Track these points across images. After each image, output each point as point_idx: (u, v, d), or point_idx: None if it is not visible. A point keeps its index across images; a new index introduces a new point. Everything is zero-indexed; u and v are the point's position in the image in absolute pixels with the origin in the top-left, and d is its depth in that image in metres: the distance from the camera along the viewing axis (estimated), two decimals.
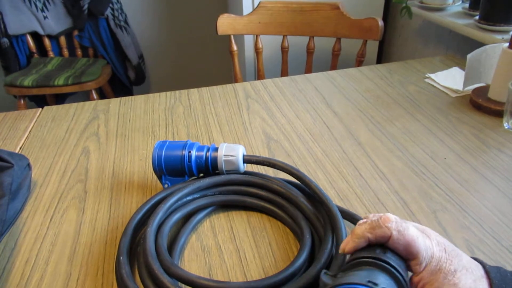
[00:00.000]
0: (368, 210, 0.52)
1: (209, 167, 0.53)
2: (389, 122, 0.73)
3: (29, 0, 1.81)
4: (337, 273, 0.32)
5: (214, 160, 0.52)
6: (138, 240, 0.48)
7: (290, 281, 0.40)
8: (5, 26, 1.80)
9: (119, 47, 2.00)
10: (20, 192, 0.55)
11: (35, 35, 1.91)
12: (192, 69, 2.38)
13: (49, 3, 1.87)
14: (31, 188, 0.59)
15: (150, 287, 0.40)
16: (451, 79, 0.87)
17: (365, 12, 1.57)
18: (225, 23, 1.22)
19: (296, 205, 0.49)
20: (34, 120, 0.79)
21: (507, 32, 1.05)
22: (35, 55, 1.92)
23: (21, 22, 1.83)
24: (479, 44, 0.90)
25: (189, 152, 0.53)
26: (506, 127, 0.69)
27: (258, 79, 1.30)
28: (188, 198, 0.51)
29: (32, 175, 0.61)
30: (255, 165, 0.61)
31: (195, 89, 0.89)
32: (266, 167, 0.60)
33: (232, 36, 1.25)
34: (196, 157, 0.53)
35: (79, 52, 1.98)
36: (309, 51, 1.26)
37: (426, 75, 0.90)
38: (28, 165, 0.58)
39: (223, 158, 0.52)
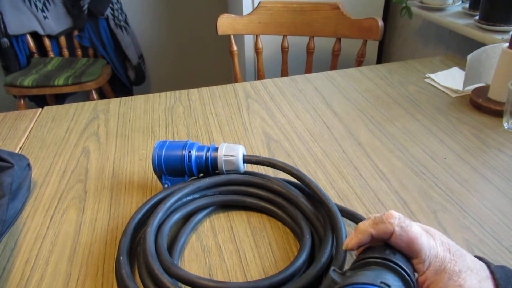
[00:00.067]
0: (368, 210, 0.52)
1: (209, 167, 0.53)
2: (389, 122, 0.73)
3: (29, 0, 1.81)
4: (346, 271, 0.32)
5: (214, 160, 0.52)
6: (138, 240, 0.48)
7: (290, 281, 0.40)
8: (5, 26, 1.80)
9: (119, 47, 2.00)
10: (20, 192, 0.55)
11: (35, 35, 1.91)
12: (192, 69, 2.38)
13: (49, 3, 1.87)
14: (31, 188, 0.59)
15: (150, 287, 0.40)
16: (451, 79, 0.87)
17: (365, 12, 1.57)
18: (225, 23, 1.22)
19: (296, 205, 0.49)
20: (34, 120, 0.79)
21: (507, 32, 1.05)
22: (35, 55, 1.92)
23: (21, 22, 1.83)
24: (479, 44, 0.91)
25: (189, 152, 0.53)
26: (506, 127, 0.69)
27: (258, 79, 1.30)
28: (188, 198, 0.51)
29: (32, 175, 0.61)
30: (255, 165, 0.61)
31: (195, 89, 0.89)
32: (266, 167, 0.60)
33: (232, 36, 1.25)
34: (196, 157, 0.53)
35: (79, 52, 1.98)
36: (309, 51, 1.26)
37: (426, 75, 0.90)
38: (28, 165, 0.58)
39: (223, 158, 0.52)
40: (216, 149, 0.53)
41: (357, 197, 0.55)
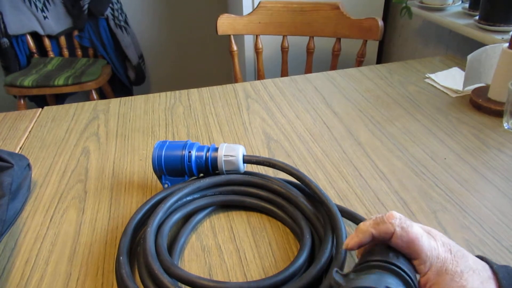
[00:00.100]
0: (368, 210, 0.52)
1: (209, 167, 0.53)
2: (389, 122, 0.73)
3: (29, 0, 1.81)
4: (349, 273, 0.32)
5: (214, 160, 0.52)
6: (138, 240, 0.48)
7: (290, 281, 0.40)
8: (5, 26, 1.80)
9: (119, 47, 2.00)
10: (20, 192, 0.55)
11: (35, 35, 1.91)
12: (192, 69, 2.38)
13: (49, 3, 1.87)
14: (31, 188, 0.59)
15: (150, 287, 0.40)
16: (451, 79, 0.87)
17: (365, 12, 1.57)
18: (225, 23, 1.22)
19: (296, 205, 0.49)
20: (34, 120, 0.79)
21: (507, 32, 1.05)
22: (35, 55, 1.92)
23: (21, 22, 1.83)
24: (479, 44, 0.91)
25: (189, 152, 0.53)
26: (506, 127, 0.69)
27: (258, 79, 1.30)
28: (188, 198, 0.51)
29: (32, 175, 0.61)
30: (255, 165, 0.61)
31: (195, 89, 0.89)
32: (266, 167, 0.60)
33: (232, 36, 1.25)
34: (196, 157, 0.53)
35: (79, 52, 1.98)
36: (309, 51, 1.26)
37: (426, 75, 0.90)
38: (28, 165, 0.58)
39: (223, 158, 0.52)
40: (216, 149, 0.53)
41: (357, 197, 0.55)
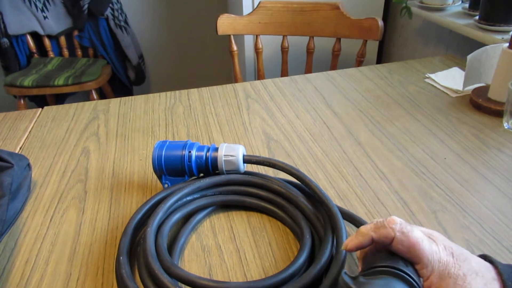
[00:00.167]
0: (368, 210, 0.52)
1: (209, 167, 0.53)
2: (389, 122, 0.73)
3: (29, 0, 1.81)
4: (358, 276, 0.32)
5: (214, 160, 0.52)
6: (138, 240, 0.48)
7: (290, 281, 0.40)
8: (5, 26, 1.80)
9: (119, 47, 2.00)
10: (20, 192, 0.55)
11: (35, 35, 1.91)
12: (192, 69, 2.38)
13: (49, 3, 1.87)
14: (31, 188, 0.59)
15: (150, 287, 0.40)
16: (451, 79, 0.87)
17: (365, 12, 1.57)
18: (225, 23, 1.22)
19: (296, 205, 0.49)
20: (34, 120, 0.79)
21: (507, 32, 1.05)
22: (35, 55, 1.92)
23: (21, 22, 1.83)
24: (479, 44, 0.91)
25: (189, 152, 0.53)
26: (506, 127, 0.69)
27: (258, 79, 1.30)
28: (188, 198, 0.51)
29: (32, 175, 0.61)
30: (255, 165, 0.61)
31: (195, 89, 0.89)
32: (266, 167, 0.60)
33: (232, 36, 1.25)
34: (196, 157, 0.53)
35: (79, 52, 1.98)
36: (309, 51, 1.26)
37: (426, 75, 0.90)
38: (28, 165, 0.58)
39: (223, 158, 0.52)
40: (216, 149, 0.53)
41: (357, 197, 0.55)
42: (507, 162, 0.60)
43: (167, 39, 2.26)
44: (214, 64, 2.37)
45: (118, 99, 0.86)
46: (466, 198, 0.54)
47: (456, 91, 0.82)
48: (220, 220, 0.52)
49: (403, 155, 0.63)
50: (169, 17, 2.20)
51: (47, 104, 1.88)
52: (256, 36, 1.25)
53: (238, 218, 0.52)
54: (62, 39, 1.94)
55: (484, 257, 0.34)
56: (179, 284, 0.40)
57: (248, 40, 1.55)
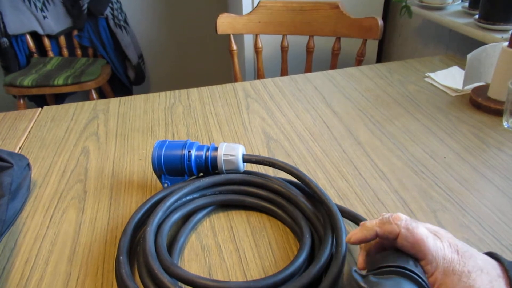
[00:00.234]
0: (368, 209, 0.52)
1: (208, 166, 0.53)
2: (389, 122, 0.73)
3: (29, 0, 1.81)
4: (368, 274, 0.32)
5: (214, 159, 0.52)
6: (138, 239, 0.48)
7: (289, 281, 0.40)
8: (4, 26, 1.80)
9: (119, 47, 2.00)
10: (19, 192, 0.55)
11: (35, 35, 1.91)
12: (192, 69, 2.37)
13: (48, 3, 1.87)
14: (31, 188, 0.59)
15: (150, 287, 0.40)
16: (451, 78, 0.87)
17: (364, 11, 1.57)
18: (225, 23, 1.22)
19: (296, 204, 0.49)
20: (34, 120, 0.79)
21: (507, 31, 1.04)
22: (35, 55, 1.92)
23: (20, 22, 1.83)
24: (479, 43, 0.90)
25: (189, 151, 0.53)
26: (505, 126, 0.69)
27: (258, 78, 1.30)
28: (188, 197, 0.51)
29: (32, 175, 0.61)
30: (255, 165, 0.61)
31: (195, 89, 0.89)
32: (266, 167, 0.60)
33: (231, 36, 1.25)
34: (196, 156, 0.53)
35: (78, 52, 1.98)
36: (309, 51, 1.26)
37: (426, 74, 0.90)
38: (28, 165, 0.58)
39: (222, 158, 0.52)
40: (215, 149, 0.53)
41: (357, 196, 0.55)
42: (506, 161, 0.60)
43: (167, 38, 2.26)
44: (213, 63, 2.37)
45: (118, 98, 0.86)
46: (465, 197, 0.54)
47: (456, 90, 0.82)
48: (220, 219, 0.52)
49: (403, 154, 0.63)
50: (169, 16, 2.20)
51: (47, 104, 1.87)
52: (256, 35, 1.25)
53: (238, 218, 0.52)
54: (62, 39, 1.94)
55: (491, 255, 0.34)
56: (179, 283, 0.40)
57: (248, 39, 1.55)
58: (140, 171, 0.62)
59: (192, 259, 0.46)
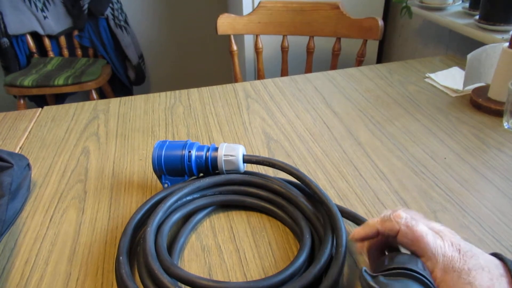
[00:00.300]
0: (368, 210, 0.52)
1: (209, 167, 0.53)
2: (389, 122, 0.73)
3: (29, 0, 1.81)
4: (378, 275, 0.32)
5: (214, 160, 0.52)
6: (138, 240, 0.48)
7: (289, 281, 0.40)
8: (5, 26, 1.80)
9: (119, 47, 2.00)
10: (19, 192, 0.55)
11: (35, 35, 1.91)
12: (192, 69, 2.38)
13: (49, 3, 1.87)
14: (31, 188, 0.59)
15: (150, 287, 0.40)
16: (451, 78, 0.87)
17: (365, 11, 1.57)
18: (225, 23, 1.22)
19: (296, 205, 0.49)
20: (34, 120, 0.79)
21: (507, 31, 1.05)
22: (35, 55, 1.92)
23: (21, 22, 1.83)
24: (479, 44, 0.90)
25: (189, 152, 0.53)
26: (506, 127, 0.69)
27: (258, 79, 1.30)
28: (188, 198, 0.51)
29: (32, 175, 0.61)
30: (255, 165, 0.61)
31: (195, 89, 0.89)
32: (266, 167, 0.60)
33: (232, 36, 1.25)
34: (196, 157, 0.53)
35: (79, 52, 1.98)
36: (309, 51, 1.26)
37: (426, 75, 0.90)
38: (28, 165, 0.58)
39: (223, 158, 0.52)
40: (216, 149, 0.53)
41: (357, 197, 0.55)
42: (507, 162, 0.60)
43: (167, 39, 2.26)
44: (214, 64, 2.37)
45: (118, 99, 0.86)
46: (465, 197, 0.54)
47: (456, 91, 0.82)
48: (220, 220, 0.52)
49: (403, 155, 0.63)
50: (169, 17, 2.20)
51: (47, 104, 1.87)
52: (256, 36, 1.25)
53: (238, 218, 0.52)
54: (62, 39, 1.94)
55: (496, 255, 0.34)
56: (179, 284, 0.40)
57: (248, 40, 1.55)
58: (140, 171, 0.62)
59: (192, 260, 0.46)
